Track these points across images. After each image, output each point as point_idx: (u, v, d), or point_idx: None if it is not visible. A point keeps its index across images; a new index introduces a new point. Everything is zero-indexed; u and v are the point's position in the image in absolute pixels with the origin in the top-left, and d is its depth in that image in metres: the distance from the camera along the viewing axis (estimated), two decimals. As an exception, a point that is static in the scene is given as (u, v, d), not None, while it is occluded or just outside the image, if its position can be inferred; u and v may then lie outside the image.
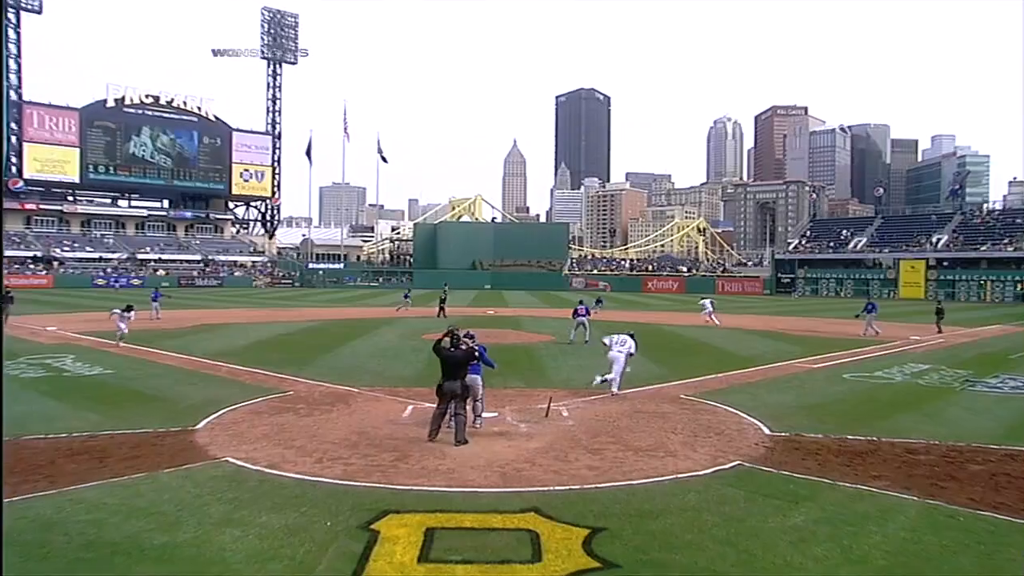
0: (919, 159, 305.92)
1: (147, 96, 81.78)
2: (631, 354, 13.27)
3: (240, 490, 7.29)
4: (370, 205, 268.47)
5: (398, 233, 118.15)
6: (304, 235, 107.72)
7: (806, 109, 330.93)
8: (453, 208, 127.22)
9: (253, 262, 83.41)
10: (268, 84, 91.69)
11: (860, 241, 70.66)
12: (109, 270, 69.36)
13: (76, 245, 74.30)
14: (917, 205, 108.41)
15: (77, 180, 77.29)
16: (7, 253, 63.77)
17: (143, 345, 18.97)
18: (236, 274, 76.88)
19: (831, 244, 72.44)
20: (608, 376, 12.87)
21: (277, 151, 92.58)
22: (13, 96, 71.91)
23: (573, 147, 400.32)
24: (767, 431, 10.17)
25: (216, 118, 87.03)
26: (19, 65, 74.25)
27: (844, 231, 74.44)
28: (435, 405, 9.69)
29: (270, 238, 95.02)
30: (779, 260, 74.72)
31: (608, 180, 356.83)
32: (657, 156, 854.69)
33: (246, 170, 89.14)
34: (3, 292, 23.24)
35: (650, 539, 6.12)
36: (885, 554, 5.89)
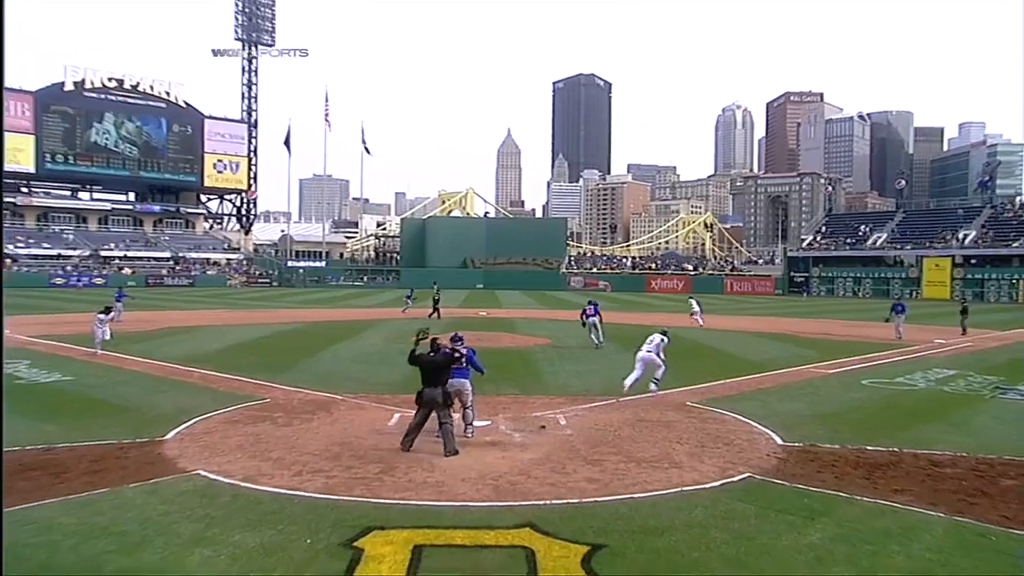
0: (945, 148, 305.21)
1: (110, 79, 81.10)
2: (658, 354, 13.68)
3: (212, 506, 7.24)
4: (354, 199, 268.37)
5: (384, 229, 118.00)
6: (283, 231, 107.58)
7: (822, 95, 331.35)
8: (443, 202, 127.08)
9: (227, 260, 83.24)
10: (243, 68, 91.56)
11: (880, 237, 70.87)
12: (69, 268, 68.98)
13: (32, 241, 73.74)
14: (942, 198, 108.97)
15: (32, 170, 76.37)
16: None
17: (106, 349, 18.84)
18: (209, 273, 76.71)
19: (848, 240, 72.68)
20: (630, 377, 13.36)
21: (253, 140, 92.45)
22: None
23: (571, 137, 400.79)
24: (779, 441, 10.18)
25: (187, 104, 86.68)
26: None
27: (862, 226, 74.70)
28: (415, 413, 9.69)
29: (246, 234, 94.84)
30: (792, 258, 74.99)
31: (609, 172, 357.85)
32: (661, 146, 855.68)
33: (220, 161, 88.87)
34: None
35: (654, 557, 6.11)
36: None
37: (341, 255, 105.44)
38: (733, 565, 5.99)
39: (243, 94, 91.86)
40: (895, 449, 9.72)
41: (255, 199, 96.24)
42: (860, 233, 73.12)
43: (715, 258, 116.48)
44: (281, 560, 5.95)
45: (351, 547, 6.21)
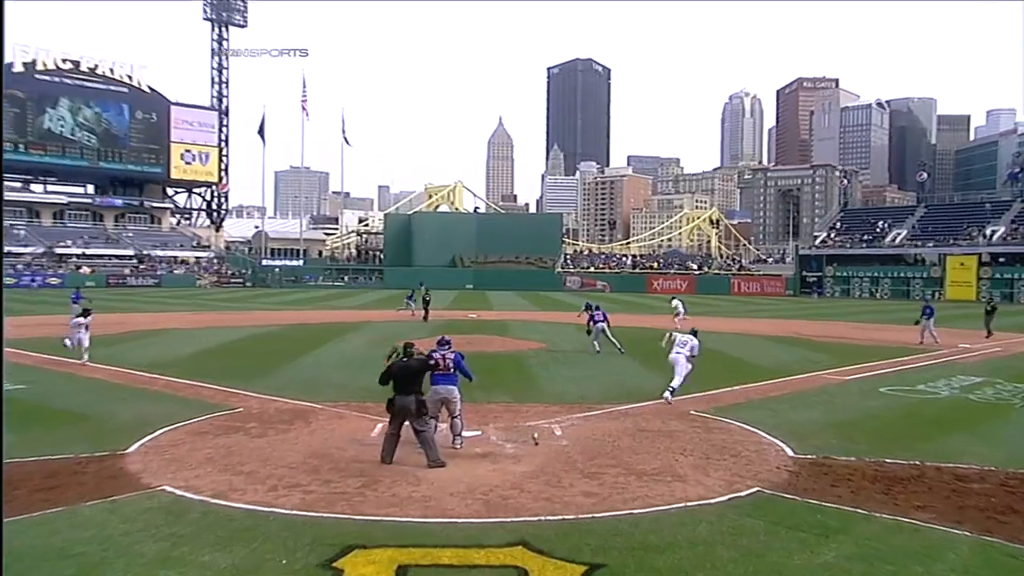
0: (971, 138, 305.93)
1: (64, 61, 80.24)
2: (693, 356, 13.85)
3: (179, 524, 7.19)
4: (334, 193, 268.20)
5: (366, 225, 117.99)
6: (257, 227, 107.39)
7: (837, 81, 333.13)
8: (429, 196, 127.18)
9: (197, 258, 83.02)
10: (212, 51, 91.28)
11: (899, 234, 71.28)
12: (20, 267, 68.48)
13: (-20, 238, 73.37)
14: (968, 192, 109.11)
15: (-25, 160, 75.97)
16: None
17: (62, 355, 18.72)
18: (176, 272, 76.48)
19: (865, 238, 73.14)
20: (672, 383, 13.59)
21: (225, 129, 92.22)
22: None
23: (567, 126, 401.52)
24: (791, 453, 10.21)
25: (151, 89, 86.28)
26: None
27: (880, 222, 75.16)
28: (388, 424, 9.68)
29: (217, 230, 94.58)
30: (804, 256, 75.44)
31: (607, 164, 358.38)
32: (664, 137, 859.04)
33: (188, 151, 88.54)
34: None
35: (657, 577, 6.10)
36: (931, 598, 5.91)
37: (320, 253, 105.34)
38: (741, 585, 6.00)
39: (213, 79, 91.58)
40: (917, 462, 9.74)
41: (227, 193, 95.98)
42: (878, 230, 73.56)
43: (721, 256, 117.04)
44: (254, 582, 5.92)
45: (331, 567, 6.19)
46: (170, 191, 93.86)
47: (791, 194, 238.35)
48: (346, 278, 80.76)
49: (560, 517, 7.48)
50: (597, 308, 22.08)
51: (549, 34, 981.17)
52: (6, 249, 72.35)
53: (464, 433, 10.41)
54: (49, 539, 6.78)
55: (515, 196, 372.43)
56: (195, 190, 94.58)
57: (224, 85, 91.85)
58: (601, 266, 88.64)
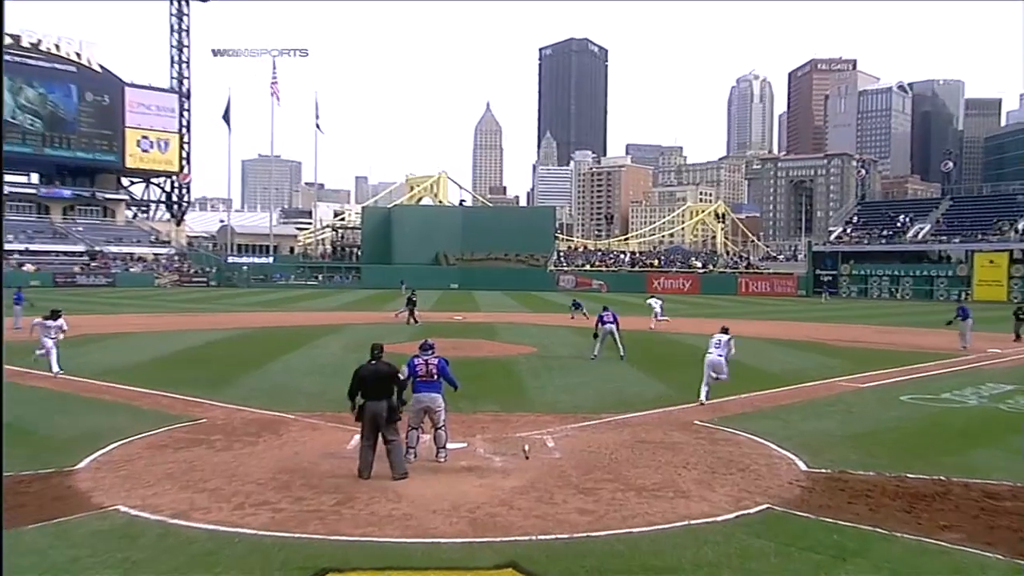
0: (1002, 123, 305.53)
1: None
2: (726, 356, 14.44)
3: (134, 548, 7.15)
4: (306, 184, 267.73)
5: (342, 219, 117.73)
6: (222, 221, 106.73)
7: (854, 63, 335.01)
8: (411, 188, 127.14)
9: (155, 255, 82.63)
10: (172, 27, 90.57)
11: (922, 229, 71.65)
12: (-44, 264, 67.98)
13: (-95, 231, 72.65)
14: (999, 183, 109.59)
15: (-102, 145, 75.17)
16: None
17: (15, 364, 18.55)
18: (133, 270, 76.11)
19: (884, 233, 73.54)
20: (707, 385, 14.43)
21: (186, 114, 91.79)
22: None
23: (561, 113, 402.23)
24: (803, 467, 10.26)
25: (103, 68, 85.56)
26: None
27: (902, 216, 75.51)
28: (361, 435, 9.69)
29: (177, 224, 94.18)
30: (818, 253, 75.77)
31: (604, 154, 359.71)
32: (666, 124, 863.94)
33: (145, 137, 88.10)
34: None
35: (658, 602, 6.13)
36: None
37: (292, 250, 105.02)
38: (750, 610, 6.02)
39: (172, 58, 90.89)
40: (942, 477, 9.77)
41: (188, 183, 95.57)
42: (899, 224, 73.98)
43: (728, 253, 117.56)
44: (217, 609, 5.90)
45: (301, 593, 6.16)
46: (125, 181, 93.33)
47: (804, 186, 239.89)
48: (320, 277, 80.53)
49: (553, 536, 7.48)
50: (605, 308, 22.11)
51: (541, 12, 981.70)
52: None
53: (449, 445, 10.40)
54: (-14, 567, 6.71)
55: (504, 188, 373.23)
56: (153, 180, 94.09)
57: (185, 65, 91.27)
58: (597, 264, 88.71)
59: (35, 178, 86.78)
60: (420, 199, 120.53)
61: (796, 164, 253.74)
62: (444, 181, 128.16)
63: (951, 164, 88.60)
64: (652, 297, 32.43)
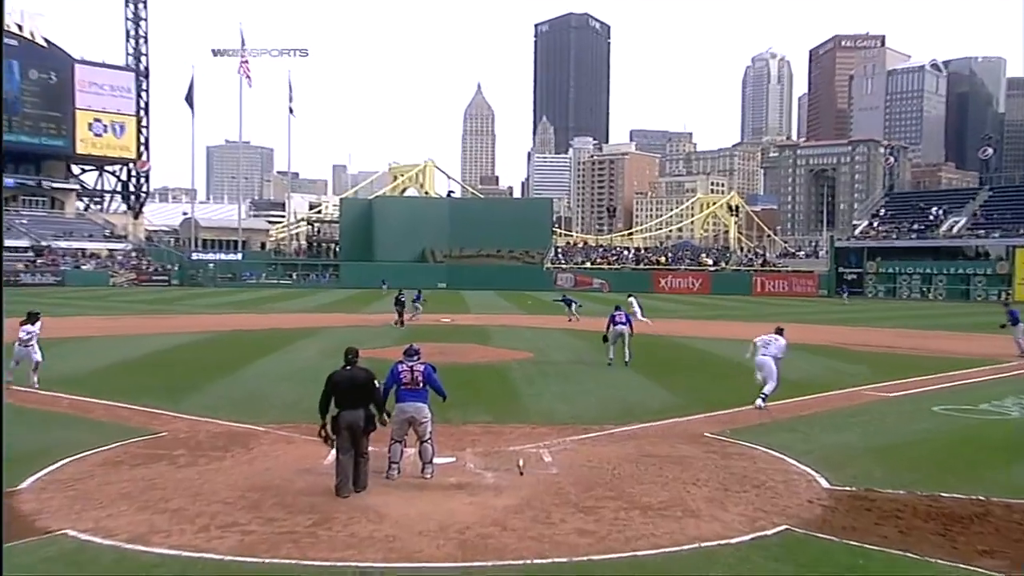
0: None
1: (-73, 2, 79.39)
2: (778, 356, 14.92)
3: None
4: (279, 173, 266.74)
5: (318, 212, 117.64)
6: (185, 213, 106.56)
7: (883, 39, 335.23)
8: (395, 178, 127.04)
9: (110, 251, 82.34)
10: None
11: (957, 222, 71.85)
12: None
13: None
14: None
15: None
16: None
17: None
18: (84, 267, 75.82)
19: (915, 227, 73.75)
20: (764, 389, 14.90)
21: (144, 95, 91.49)
22: None
23: (559, 95, 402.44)
24: (825, 484, 10.28)
25: (49, 43, 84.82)
26: None
27: (934, 208, 75.66)
28: (336, 448, 9.71)
29: (135, 217, 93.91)
30: (840, 249, 76.00)
31: (607, 141, 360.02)
32: (674, 108, 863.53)
33: (98, 120, 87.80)
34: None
35: (665, 632, 6.15)
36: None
37: (263, 245, 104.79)
38: (766, 640, 6.05)
39: (128, 32, 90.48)
40: (980, 497, 9.75)
41: (147, 172, 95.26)
42: (931, 217, 74.16)
43: (741, 250, 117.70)
44: (181, 641, 5.91)
45: (273, 623, 6.18)
46: (76, 169, 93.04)
47: (825, 175, 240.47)
48: (294, 275, 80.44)
49: (550, 560, 7.49)
50: (618, 308, 22.12)
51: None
52: None
53: (436, 460, 10.41)
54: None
55: (496, 178, 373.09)
56: (108, 168, 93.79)
57: (142, 40, 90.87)
58: (598, 261, 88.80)
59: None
60: (404, 190, 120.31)
61: (817, 151, 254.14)
62: (431, 170, 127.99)
63: (990, 151, 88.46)
64: (630, 295, 32.66)
